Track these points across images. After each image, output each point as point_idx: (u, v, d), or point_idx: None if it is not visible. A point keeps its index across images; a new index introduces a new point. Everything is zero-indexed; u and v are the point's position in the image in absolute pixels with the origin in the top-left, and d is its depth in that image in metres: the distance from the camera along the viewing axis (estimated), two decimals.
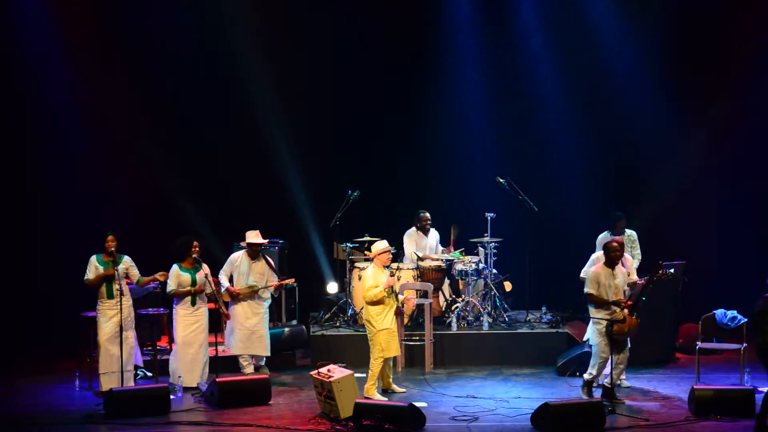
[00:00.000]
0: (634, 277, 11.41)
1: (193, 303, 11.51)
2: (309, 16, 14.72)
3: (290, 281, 12.54)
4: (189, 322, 11.49)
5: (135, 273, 11.35)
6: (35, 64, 14.11)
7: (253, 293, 12.01)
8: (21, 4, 14.05)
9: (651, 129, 14.71)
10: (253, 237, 12.09)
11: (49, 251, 14.08)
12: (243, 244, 12.21)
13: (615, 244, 10.94)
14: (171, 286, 11.45)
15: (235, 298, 11.95)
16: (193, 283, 11.46)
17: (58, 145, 14.23)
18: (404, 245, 13.69)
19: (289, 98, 14.74)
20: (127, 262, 11.31)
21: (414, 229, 13.69)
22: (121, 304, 11.09)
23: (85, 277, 11.19)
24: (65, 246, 13.77)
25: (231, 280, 12.08)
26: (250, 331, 11.97)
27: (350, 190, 13.61)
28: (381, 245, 11.20)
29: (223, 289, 11.96)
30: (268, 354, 12.13)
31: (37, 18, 14.05)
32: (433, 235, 13.78)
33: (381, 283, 10.95)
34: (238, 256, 12.12)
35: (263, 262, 12.13)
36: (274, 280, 12.16)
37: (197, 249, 11.51)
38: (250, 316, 11.98)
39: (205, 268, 11.52)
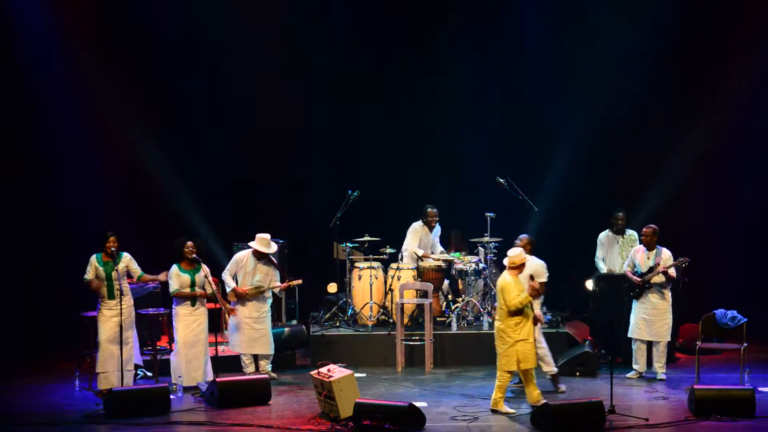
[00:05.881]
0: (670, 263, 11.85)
1: (193, 303, 11.50)
2: (309, 15, 14.72)
3: (297, 282, 12.51)
4: (189, 322, 11.48)
5: (135, 268, 11.33)
6: (35, 65, 14.12)
7: (259, 293, 12.01)
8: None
9: (651, 128, 14.70)
10: (265, 244, 12.00)
11: (49, 251, 14.08)
12: (251, 244, 12.15)
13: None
14: (173, 286, 11.44)
15: (242, 298, 11.94)
16: (192, 283, 11.45)
17: (59, 145, 14.22)
18: (407, 239, 13.64)
19: (289, 97, 14.73)
20: (126, 259, 11.29)
21: (420, 223, 13.66)
22: (121, 304, 11.09)
23: (85, 277, 11.19)
24: (66, 246, 13.76)
25: (235, 279, 12.07)
26: (253, 331, 11.96)
27: (350, 190, 13.60)
28: (519, 255, 10.44)
29: (229, 289, 11.95)
30: (272, 353, 12.12)
31: (36, 16, 14.06)
32: (437, 232, 13.79)
33: (523, 288, 10.40)
34: (244, 256, 12.09)
35: (269, 262, 12.12)
36: (277, 280, 12.15)
37: (192, 249, 11.49)
38: (253, 316, 11.97)
39: (205, 269, 11.50)
